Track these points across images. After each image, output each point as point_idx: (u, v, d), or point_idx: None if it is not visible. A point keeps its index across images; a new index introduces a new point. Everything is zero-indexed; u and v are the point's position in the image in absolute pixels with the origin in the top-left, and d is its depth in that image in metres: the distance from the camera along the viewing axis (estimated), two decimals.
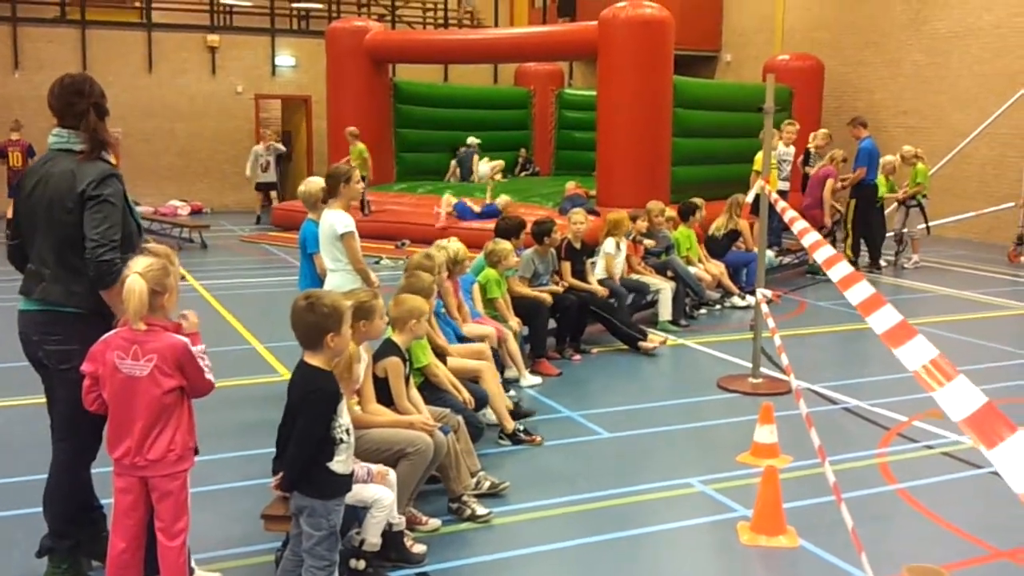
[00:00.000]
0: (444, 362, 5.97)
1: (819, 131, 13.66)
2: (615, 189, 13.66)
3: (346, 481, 3.84)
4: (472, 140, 17.95)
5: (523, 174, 18.72)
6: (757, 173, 12.26)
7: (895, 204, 13.60)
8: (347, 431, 3.81)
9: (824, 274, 11.87)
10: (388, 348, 4.93)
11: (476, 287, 7.40)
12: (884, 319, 3.00)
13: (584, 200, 13.73)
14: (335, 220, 6.32)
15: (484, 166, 18.02)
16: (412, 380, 5.24)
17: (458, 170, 17.96)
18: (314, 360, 3.79)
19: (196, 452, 3.82)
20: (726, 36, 22.25)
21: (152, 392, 3.59)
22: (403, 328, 5.00)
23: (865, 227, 12.87)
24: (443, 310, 6.55)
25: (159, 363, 3.59)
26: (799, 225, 5.16)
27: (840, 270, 3.93)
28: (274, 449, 3.90)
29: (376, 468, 4.29)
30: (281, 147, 18.79)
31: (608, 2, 15.68)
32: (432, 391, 5.58)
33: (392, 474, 4.38)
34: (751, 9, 21.39)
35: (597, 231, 9.43)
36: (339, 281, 6.29)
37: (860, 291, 3.46)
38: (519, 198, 14.87)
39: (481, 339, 6.71)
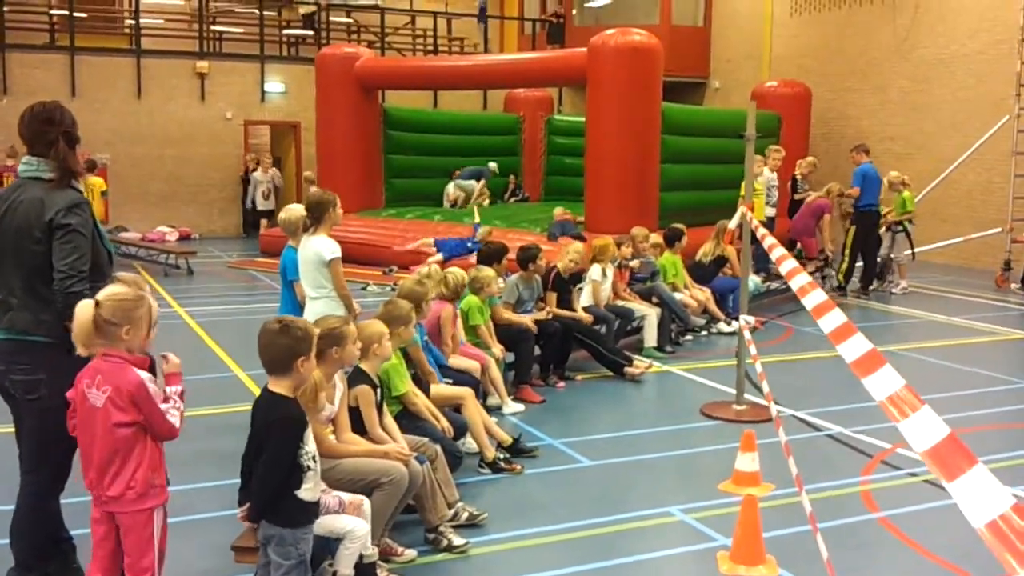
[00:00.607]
0: (427, 390, 5.94)
1: (805, 159, 13.68)
2: (603, 215, 13.65)
3: (314, 509, 3.81)
4: (492, 166, 18.00)
5: (512, 200, 18.72)
6: (744, 198, 12.25)
7: (883, 229, 13.61)
8: (313, 458, 3.78)
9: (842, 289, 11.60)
10: (356, 376, 4.89)
11: (459, 315, 7.36)
12: (854, 348, 3.02)
13: (572, 226, 13.73)
14: (321, 246, 6.30)
15: (452, 189, 18.07)
16: (387, 408, 5.20)
17: (460, 195, 17.99)
18: (279, 387, 3.76)
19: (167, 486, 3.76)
20: (714, 63, 22.39)
21: (106, 424, 3.53)
22: (367, 354, 4.95)
23: (863, 253, 12.89)
24: (427, 338, 6.51)
25: (112, 395, 3.52)
26: (778, 252, 5.16)
27: (814, 298, 3.97)
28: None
29: (349, 498, 4.24)
30: (278, 175, 18.90)
31: (597, 29, 15.80)
32: (411, 419, 5.54)
33: (367, 504, 4.33)
34: (739, 36, 21.54)
35: (583, 258, 9.41)
36: (321, 308, 6.26)
37: (832, 319, 3.51)
38: (507, 224, 14.87)
39: (466, 373, 6.68)
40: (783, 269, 5.14)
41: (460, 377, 6.57)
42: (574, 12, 23.41)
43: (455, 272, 7.19)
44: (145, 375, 3.56)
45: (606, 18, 22.67)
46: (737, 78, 21.36)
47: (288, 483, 3.67)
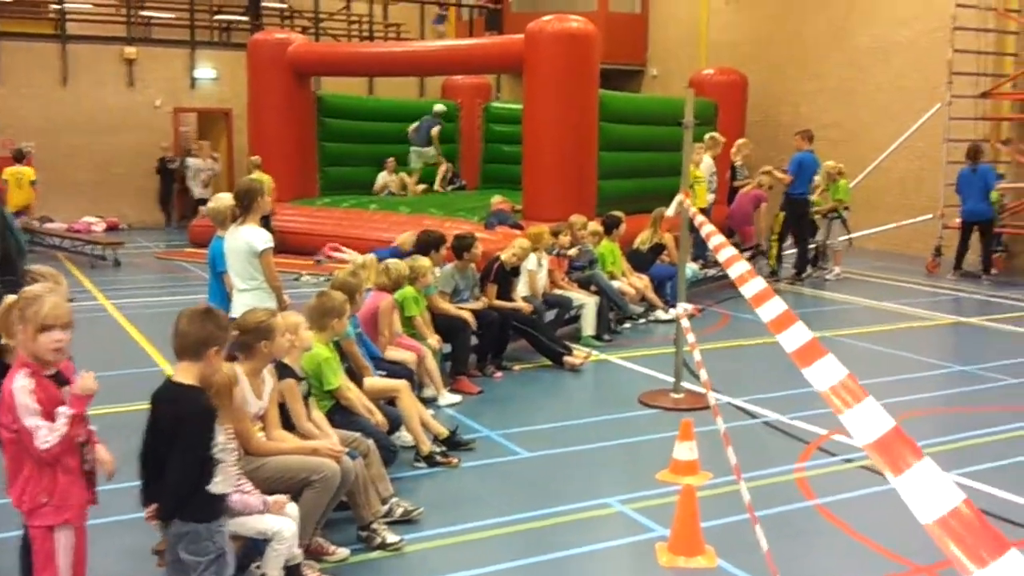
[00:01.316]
0: (361, 383, 5.79)
1: (740, 141, 13.72)
2: (541, 203, 13.56)
3: (224, 501, 3.69)
4: (438, 107, 17.66)
5: (449, 188, 18.54)
6: (689, 187, 12.24)
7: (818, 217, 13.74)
8: (223, 450, 3.65)
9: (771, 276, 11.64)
10: (280, 371, 4.73)
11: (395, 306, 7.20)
12: (795, 337, 2.93)
13: (510, 215, 13.62)
14: (253, 237, 6.12)
15: (382, 177, 17.83)
16: (316, 402, 5.05)
17: (389, 183, 17.74)
18: (186, 376, 3.60)
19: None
20: (652, 50, 22.41)
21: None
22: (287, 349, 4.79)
23: (795, 239, 13.02)
24: (360, 329, 6.35)
25: (4, 396, 3.34)
26: (716, 240, 5.11)
27: (752, 287, 3.92)
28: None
29: (273, 498, 4.09)
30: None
31: (534, 15, 15.66)
32: (344, 414, 5.39)
33: (292, 506, 4.18)
34: (676, 23, 21.57)
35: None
36: (250, 300, 6.07)
37: (772, 308, 3.44)
38: (444, 212, 14.71)
39: (400, 365, 6.54)
40: (721, 257, 5.12)
41: (395, 369, 6.43)
42: None
43: (396, 263, 7.05)
44: (24, 383, 3.35)
45: (544, 5, 22.48)
46: (674, 65, 21.40)
47: (200, 477, 3.53)
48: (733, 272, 4.40)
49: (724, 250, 5.07)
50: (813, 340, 2.80)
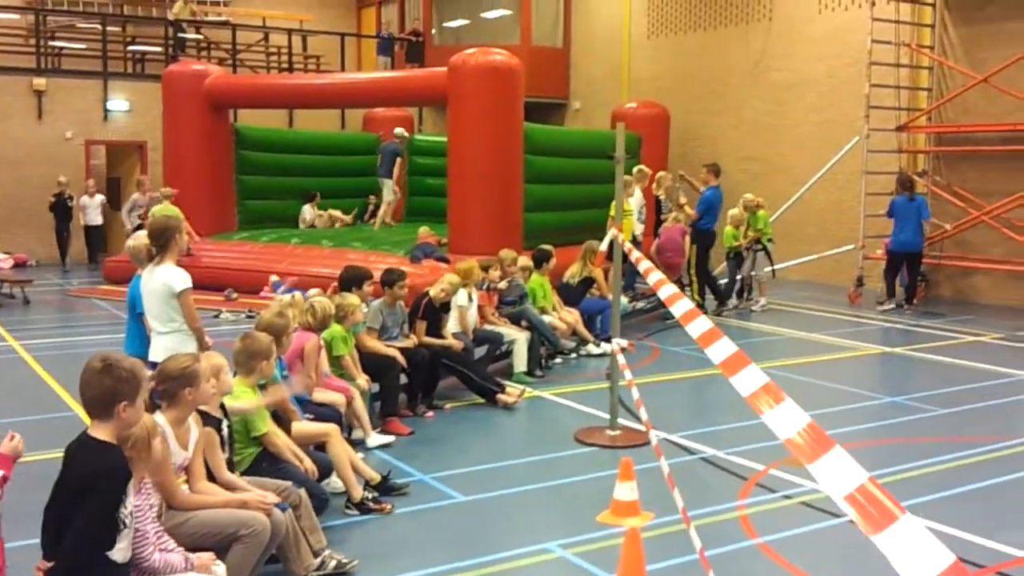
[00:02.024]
0: (289, 428, 5.52)
1: (660, 174, 13.78)
2: (467, 236, 13.43)
3: (124, 571, 3.43)
4: (399, 130, 17.36)
5: (372, 221, 18.28)
6: (615, 219, 12.23)
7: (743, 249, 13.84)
8: (131, 514, 3.38)
9: (672, 317, 11.79)
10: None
11: (322, 345, 6.94)
12: (721, 350, 3.24)
13: (435, 248, 13.44)
14: (171, 277, 5.83)
15: (309, 212, 17.54)
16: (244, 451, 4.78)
17: (308, 215, 17.43)
18: (100, 433, 3.35)
19: None
20: (575, 84, 22.55)
21: None
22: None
23: (705, 273, 13.09)
24: (286, 372, 6.08)
25: None
26: (654, 276, 5.02)
27: (682, 306, 4.13)
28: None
29: (198, 555, 3.81)
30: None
31: (457, 48, 15.61)
32: (272, 461, 5.13)
33: (220, 564, 3.90)
34: (598, 57, 21.75)
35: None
36: (169, 343, 5.79)
37: (699, 325, 3.70)
38: (368, 246, 14.47)
39: (328, 407, 6.28)
40: (651, 280, 5.19)
41: (322, 412, 6.17)
42: (433, 31, 23.20)
43: (322, 301, 6.80)
44: None
45: (466, 38, 22.55)
46: (597, 99, 21.55)
47: (101, 541, 3.28)
48: (663, 293, 4.57)
49: (653, 274, 5.16)
50: (738, 352, 3.05)
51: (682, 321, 4.02)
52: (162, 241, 5.90)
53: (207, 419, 4.50)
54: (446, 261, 12.92)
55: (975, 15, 14.69)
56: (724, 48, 18.75)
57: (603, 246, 7.53)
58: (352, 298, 7.07)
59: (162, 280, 5.84)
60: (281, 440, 5.22)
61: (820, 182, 16.02)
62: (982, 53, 14.51)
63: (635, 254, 6.06)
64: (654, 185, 13.98)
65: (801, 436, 2.43)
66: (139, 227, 15.46)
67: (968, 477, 6.35)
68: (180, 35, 20.38)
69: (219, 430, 4.55)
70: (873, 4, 14.77)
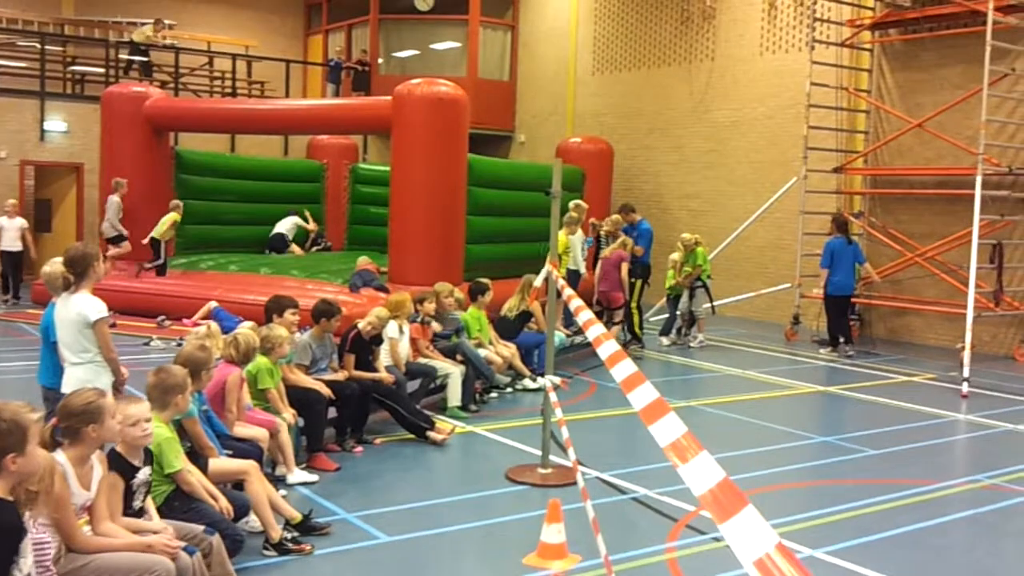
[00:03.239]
0: (206, 465, 5.34)
1: (609, 218, 13.76)
2: (408, 267, 13.31)
3: None
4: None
5: (314, 249, 18.09)
6: (558, 255, 12.17)
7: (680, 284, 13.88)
8: (29, 574, 3.18)
9: (636, 343, 11.71)
10: (113, 461, 4.29)
11: (245, 379, 6.76)
12: (642, 396, 3.17)
13: (375, 276, 13.29)
14: (86, 306, 5.64)
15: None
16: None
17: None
18: None
19: None
20: (520, 117, 22.62)
21: None
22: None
23: (638, 308, 13.08)
24: (206, 407, 5.89)
25: None
26: (584, 316, 4.96)
27: (607, 348, 4.05)
28: None
29: None
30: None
31: (403, 78, 15.56)
32: (185, 500, 4.94)
33: None
34: (543, 92, 21.85)
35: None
36: (83, 375, 5.61)
37: (623, 368, 3.62)
38: (307, 274, 14.27)
39: (249, 442, 6.09)
40: (580, 320, 5.13)
41: (242, 448, 5.97)
42: (380, 61, 23.15)
43: (246, 333, 6.63)
44: None
45: (413, 68, 22.53)
46: (542, 133, 21.64)
47: None
48: (591, 334, 4.52)
49: (583, 313, 5.12)
50: (659, 399, 3.01)
51: (607, 364, 3.95)
52: (80, 269, 5.72)
53: (126, 466, 4.33)
54: (386, 290, 12.79)
55: (911, 61, 15.01)
56: (667, 86, 18.94)
57: (538, 281, 7.43)
58: (279, 330, 6.90)
59: (77, 309, 5.65)
60: (195, 478, 5.03)
61: (759, 221, 16.19)
62: (917, 98, 14.81)
63: (567, 291, 5.99)
64: (605, 225, 13.82)
65: (714, 493, 2.36)
66: (119, 237, 15.18)
67: (894, 521, 6.35)
68: (143, 59, 20.08)
69: (130, 478, 4.38)
70: (812, 48, 15.02)
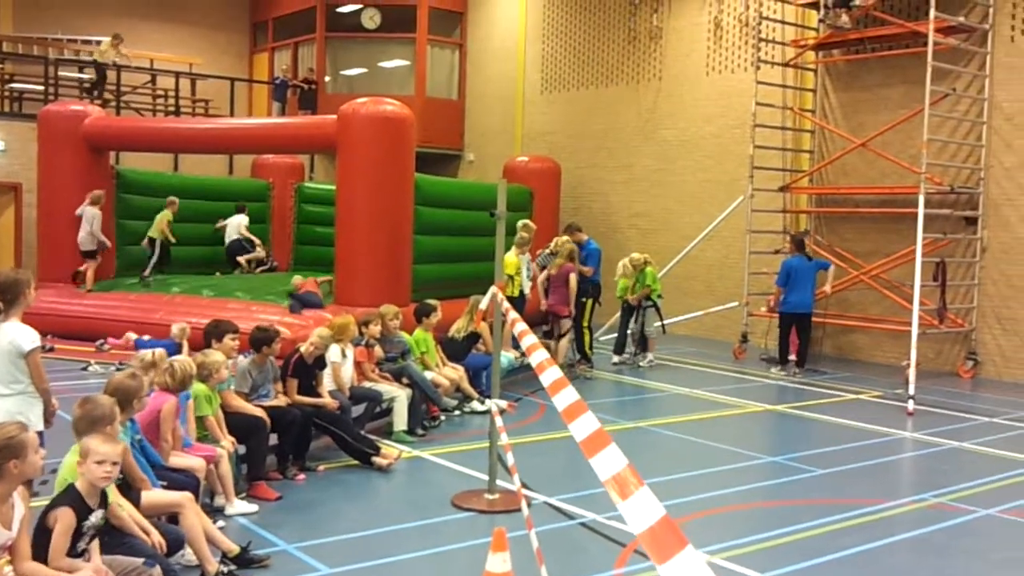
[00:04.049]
0: (138, 498, 5.14)
1: (561, 238, 13.66)
2: (354, 287, 13.12)
3: None
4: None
5: (259, 269, 17.80)
6: (508, 276, 12.12)
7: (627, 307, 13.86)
8: None
9: (564, 373, 11.71)
10: (64, 495, 4.12)
11: (190, 404, 6.56)
12: (584, 426, 3.14)
13: (317, 298, 13.07)
14: (18, 335, 5.42)
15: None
16: None
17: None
18: None
19: None
20: (468, 136, 22.56)
21: None
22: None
23: (589, 326, 13.04)
24: (139, 436, 5.68)
25: None
26: (528, 340, 4.87)
27: (550, 375, 3.96)
28: None
29: None
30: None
31: (350, 97, 15.40)
32: (115, 536, 4.74)
33: None
34: (492, 111, 21.82)
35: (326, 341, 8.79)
36: (13, 407, 5.39)
37: (566, 397, 3.51)
38: (251, 296, 14.02)
39: (185, 472, 5.90)
40: (524, 344, 5.04)
41: (178, 479, 5.78)
42: (327, 79, 22.98)
43: (182, 360, 6.43)
44: None
45: (360, 87, 22.39)
46: (491, 151, 21.59)
47: None
48: (534, 360, 4.43)
49: (527, 337, 5.02)
50: (599, 430, 2.94)
51: (549, 391, 3.86)
52: (10, 296, 5.50)
53: (82, 505, 4.17)
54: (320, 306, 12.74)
55: (854, 82, 15.20)
56: (615, 105, 19.00)
57: (483, 303, 7.32)
58: (216, 355, 6.71)
59: (8, 338, 5.43)
60: (126, 511, 4.84)
61: (707, 239, 16.26)
62: (861, 118, 14.99)
63: (512, 315, 5.89)
64: (553, 243, 13.70)
65: (653, 532, 2.28)
66: (94, 252, 14.90)
67: (841, 543, 6.31)
68: (100, 78, 19.74)
69: (83, 519, 4.21)
70: (758, 68, 15.15)
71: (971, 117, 13.70)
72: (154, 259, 15.51)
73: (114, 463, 4.34)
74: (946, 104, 13.54)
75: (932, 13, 12.48)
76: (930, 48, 12.46)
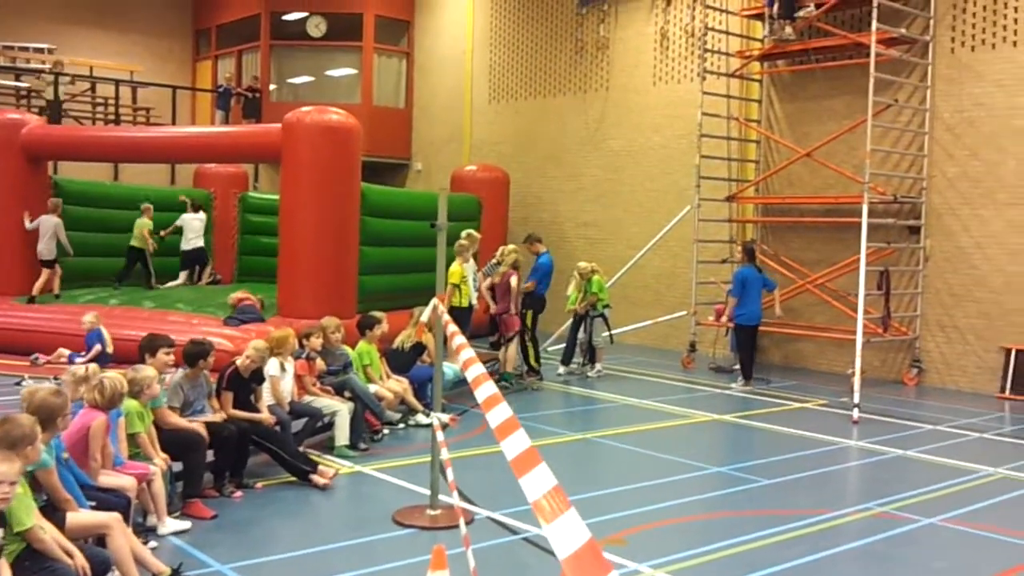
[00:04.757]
0: (63, 520, 4.94)
1: (507, 247, 13.55)
2: (298, 299, 12.94)
3: None
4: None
5: (202, 282, 17.47)
6: (455, 286, 12.00)
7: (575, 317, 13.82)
8: None
9: (512, 383, 11.65)
10: None
11: (121, 422, 6.34)
12: (515, 445, 3.05)
13: (256, 311, 12.81)
14: None
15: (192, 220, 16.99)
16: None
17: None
18: None
19: None
20: (416, 145, 22.42)
21: None
22: None
23: (533, 339, 12.95)
24: (66, 455, 5.47)
25: None
26: (465, 355, 4.75)
27: (485, 390, 3.84)
28: None
29: None
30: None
31: (295, 105, 15.21)
32: (37, 559, 4.54)
33: None
34: (440, 120, 21.71)
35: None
36: None
37: (499, 413, 3.42)
38: (193, 308, 13.75)
39: (114, 492, 5.69)
40: (460, 359, 4.92)
41: (107, 498, 5.57)
42: (273, 87, 22.71)
43: (112, 376, 6.20)
44: None
45: (306, 95, 22.17)
46: (439, 161, 21.47)
47: None
48: (470, 375, 4.29)
49: (464, 352, 4.86)
50: (531, 449, 2.90)
51: (483, 407, 3.75)
52: None
53: None
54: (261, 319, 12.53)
55: (799, 92, 15.32)
56: (563, 115, 18.99)
57: (424, 316, 7.19)
58: (147, 370, 6.50)
59: None
60: (49, 534, 4.64)
61: (655, 249, 16.28)
62: (805, 128, 15.11)
63: (450, 328, 5.77)
64: (498, 251, 13.62)
65: (578, 557, 2.19)
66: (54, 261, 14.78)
67: (785, 554, 6.27)
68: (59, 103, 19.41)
69: None
70: (704, 79, 15.21)
71: (913, 127, 13.87)
72: (135, 267, 15.92)
73: (11, 483, 4.13)
74: (889, 115, 13.69)
75: (874, 25, 12.62)
76: (872, 59, 12.59)
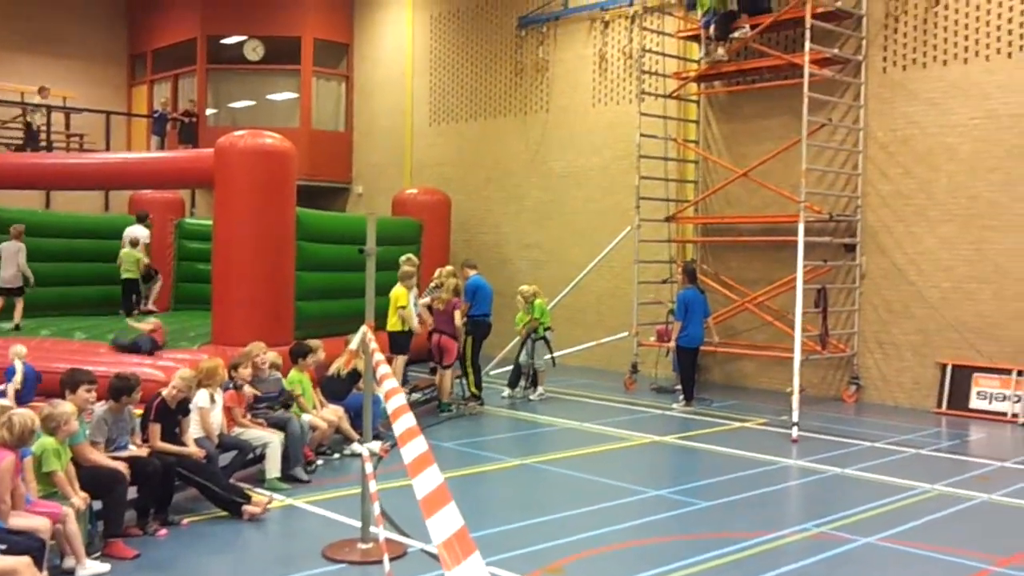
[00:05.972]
0: None
1: (444, 269, 13.42)
2: (232, 326, 12.65)
3: None
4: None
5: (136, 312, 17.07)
6: (402, 308, 11.87)
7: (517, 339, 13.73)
8: None
9: (452, 410, 11.49)
10: None
11: (27, 461, 6.09)
12: (427, 482, 3.01)
13: (149, 343, 12.36)
14: None
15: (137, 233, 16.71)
16: None
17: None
18: None
19: None
20: (357, 168, 22.26)
21: None
22: None
23: (475, 365, 12.83)
24: None
25: None
26: (388, 384, 4.64)
27: (403, 423, 3.86)
28: None
29: None
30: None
31: (232, 130, 14.98)
32: None
33: None
34: (381, 143, 21.57)
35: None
36: None
37: (414, 448, 3.39)
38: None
39: (26, 534, 5.44)
40: (384, 388, 4.83)
41: (20, 541, 5.33)
42: (211, 112, 22.41)
43: (22, 413, 5.94)
44: None
45: (244, 120, 21.89)
46: (381, 184, 21.30)
47: None
48: (390, 406, 4.31)
49: (387, 382, 4.81)
50: (442, 486, 2.90)
51: (399, 442, 3.65)
52: None
53: None
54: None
55: (735, 113, 15.44)
56: (504, 137, 18.96)
57: (353, 344, 7.04)
58: (65, 406, 6.26)
59: None
60: None
61: (597, 270, 16.26)
62: (742, 148, 15.22)
63: (377, 356, 5.64)
64: (436, 273, 13.49)
65: (450, 541, 2.31)
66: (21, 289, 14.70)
67: None
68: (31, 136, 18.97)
69: None
70: (642, 100, 15.27)
71: (848, 146, 14.03)
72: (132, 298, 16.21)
73: None
74: (823, 134, 13.83)
75: (808, 45, 12.75)
76: (806, 79, 12.72)
